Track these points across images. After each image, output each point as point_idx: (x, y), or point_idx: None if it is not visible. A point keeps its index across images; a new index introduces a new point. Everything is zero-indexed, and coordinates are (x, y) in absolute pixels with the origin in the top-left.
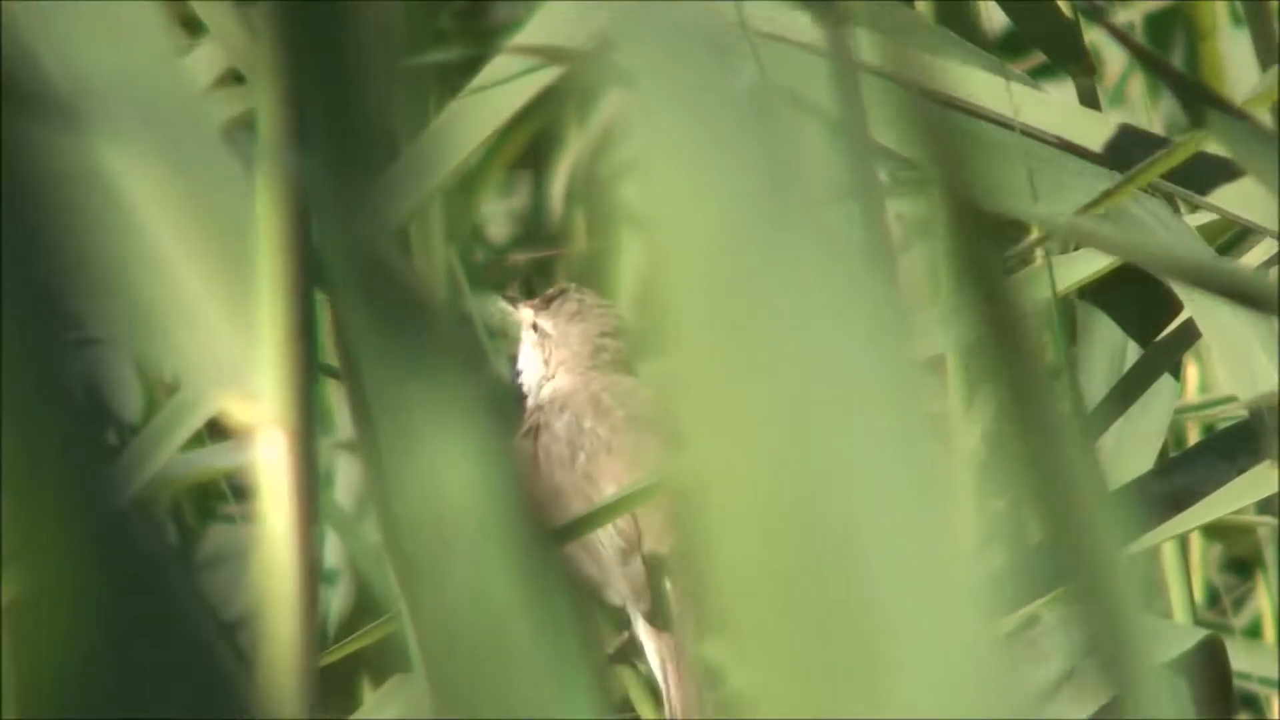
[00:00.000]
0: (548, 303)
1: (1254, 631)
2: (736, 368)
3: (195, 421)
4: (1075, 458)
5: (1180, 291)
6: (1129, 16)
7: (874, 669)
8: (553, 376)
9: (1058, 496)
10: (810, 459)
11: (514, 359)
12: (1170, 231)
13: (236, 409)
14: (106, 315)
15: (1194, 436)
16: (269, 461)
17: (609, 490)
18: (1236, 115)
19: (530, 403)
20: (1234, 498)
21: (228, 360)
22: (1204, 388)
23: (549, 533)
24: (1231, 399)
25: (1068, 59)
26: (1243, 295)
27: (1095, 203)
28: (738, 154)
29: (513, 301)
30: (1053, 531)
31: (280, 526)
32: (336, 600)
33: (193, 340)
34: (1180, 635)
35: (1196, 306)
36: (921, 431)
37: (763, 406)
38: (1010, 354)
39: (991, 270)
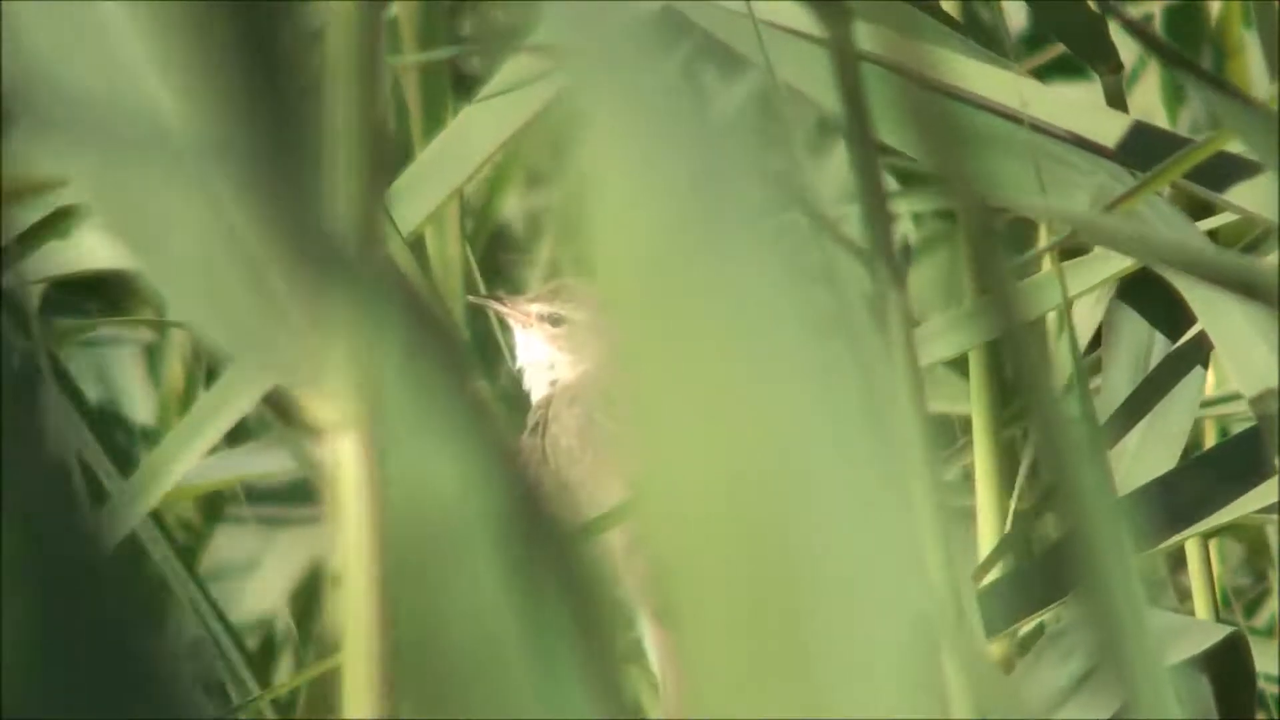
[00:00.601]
0: (560, 291)
1: (1266, 631)
2: (681, 370)
3: (221, 425)
4: (1087, 458)
5: (1185, 290)
6: (1143, 14)
7: (821, 671)
8: (579, 366)
9: (1072, 494)
10: (758, 459)
11: (516, 355)
12: (1174, 229)
13: (316, 407)
14: (192, 310)
15: (1209, 433)
16: (346, 461)
17: (616, 486)
18: (1256, 109)
19: (539, 397)
20: (1255, 499)
21: (306, 358)
22: (1219, 385)
23: (558, 529)
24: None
25: (1094, 56)
26: (1243, 286)
27: (1119, 201)
28: (686, 163)
29: (499, 299)
30: (1068, 530)
31: (357, 526)
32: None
33: (272, 337)
34: (1202, 632)
35: (1201, 304)
36: (869, 427)
37: (708, 408)
38: (1021, 353)
39: (1001, 267)
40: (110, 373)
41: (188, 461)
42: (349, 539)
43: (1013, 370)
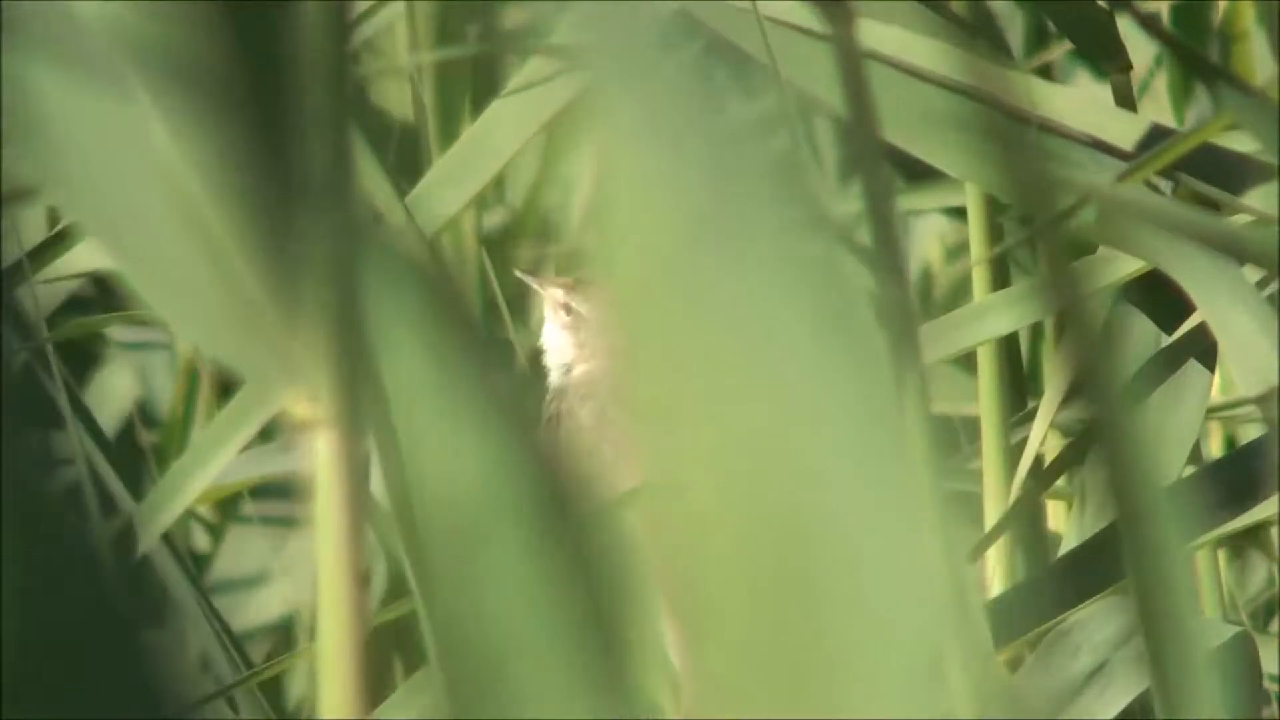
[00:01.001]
0: (579, 284)
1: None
2: (695, 365)
3: (250, 429)
4: (1140, 450)
5: (1190, 288)
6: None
7: (836, 669)
8: (584, 362)
9: (1129, 486)
10: (772, 454)
11: (540, 340)
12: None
13: (295, 407)
14: (167, 309)
15: (1215, 436)
16: (326, 461)
17: (634, 482)
18: (1265, 103)
19: (554, 387)
20: (1266, 508)
21: (284, 357)
22: (1224, 389)
23: (584, 519)
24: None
25: (1103, 55)
26: (1242, 251)
27: (1124, 174)
28: (701, 162)
29: (536, 277)
30: (1121, 521)
31: (335, 527)
32: (373, 598)
33: (249, 337)
34: (1211, 631)
35: (1206, 304)
36: (886, 425)
37: (721, 402)
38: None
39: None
40: (149, 373)
41: (212, 471)
42: (326, 538)
43: (1078, 358)
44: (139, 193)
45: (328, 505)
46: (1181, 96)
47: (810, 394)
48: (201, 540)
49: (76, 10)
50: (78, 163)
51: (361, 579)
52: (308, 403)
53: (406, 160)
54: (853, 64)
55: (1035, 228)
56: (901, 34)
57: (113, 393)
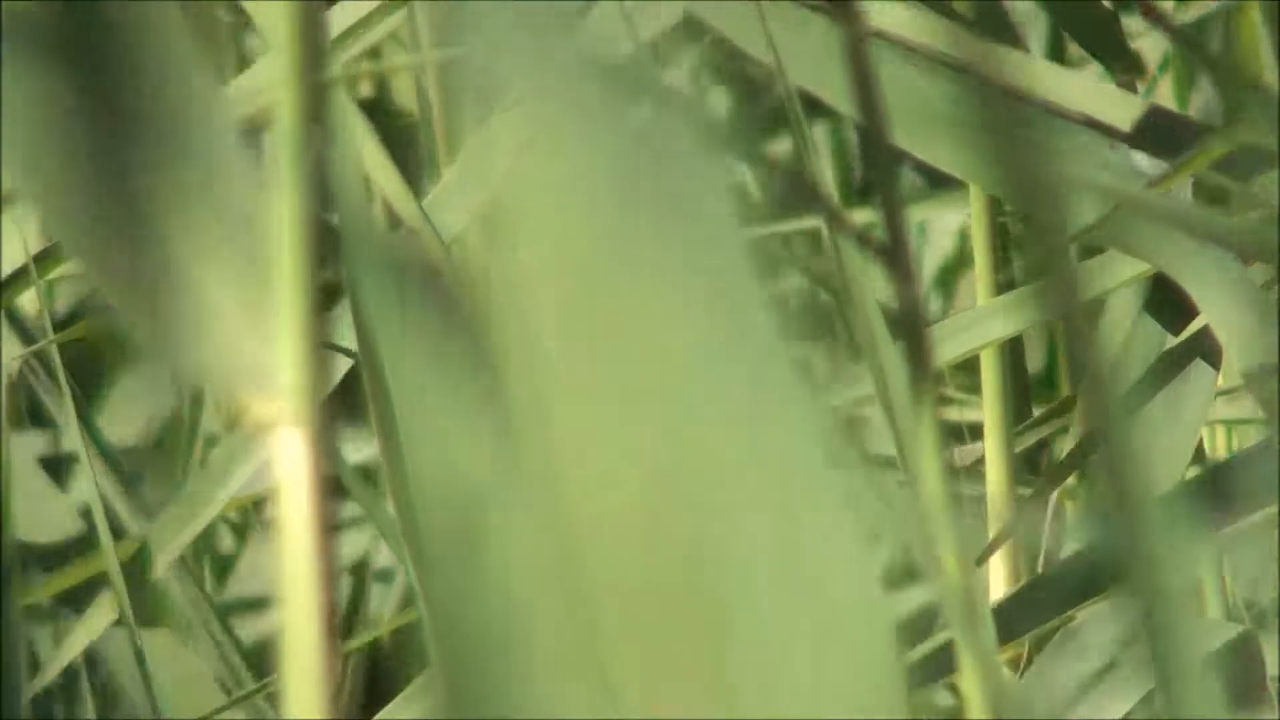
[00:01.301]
0: None
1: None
2: (603, 368)
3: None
4: (1144, 450)
5: (1195, 292)
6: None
7: (740, 676)
8: None
9: (1133, 487)
10: (681, 457)
11: None
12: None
13: (257, 408)
14: (131, 313)
15: (1220, 437)
16: (288, 463)
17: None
18: (1272, 99)
19: None
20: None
21: (247, 357)
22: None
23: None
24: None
25: (1109, 54)
26: (1248, 249)
27: (1160, 180)
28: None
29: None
30: (1120, 524)
31: (300, 531)
32: (391, 598)
33: (211, 337)
34: (1214, 630)
35: (1210, 306)
36: (806, 429)
37: (631, 405)
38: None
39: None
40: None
41: (229, 489)
42: (290, 545)
43: (1072, 360)
44: (86, 181)
45: (291, 510)
46: (1186, 99)
47: (735, 402)
48: (227, 543)
49: None
50: (22, 147)
51: (330, 586)
52: (269, 403)
53: (410, 161)
54: (861, 56)
55: (1049, 238)
56: (907, 14)
57: (143, 399)
